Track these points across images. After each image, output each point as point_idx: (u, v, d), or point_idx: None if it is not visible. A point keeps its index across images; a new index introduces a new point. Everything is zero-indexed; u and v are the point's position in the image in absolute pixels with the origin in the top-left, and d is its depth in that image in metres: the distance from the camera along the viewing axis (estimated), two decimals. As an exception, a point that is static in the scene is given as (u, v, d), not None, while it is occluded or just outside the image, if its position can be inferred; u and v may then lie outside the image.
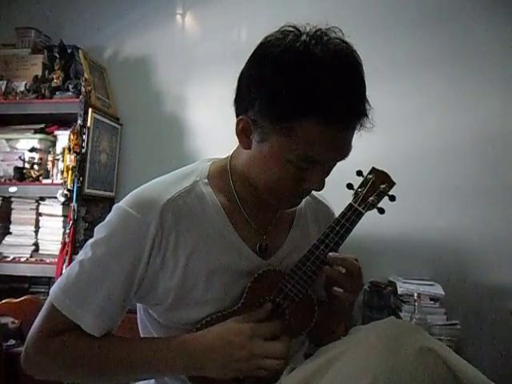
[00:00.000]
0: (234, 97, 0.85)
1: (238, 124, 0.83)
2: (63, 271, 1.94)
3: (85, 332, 0.82)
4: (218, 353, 0.80)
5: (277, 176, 0.82)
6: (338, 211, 0.92)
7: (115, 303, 0.83)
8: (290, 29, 0.80)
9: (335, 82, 0.74)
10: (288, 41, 0.77)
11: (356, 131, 0.80)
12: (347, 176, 0.90)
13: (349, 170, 0.91)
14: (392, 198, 0.89)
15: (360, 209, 0.87)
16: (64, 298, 0.82)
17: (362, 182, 0.91)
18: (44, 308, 0.84)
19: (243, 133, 0.83)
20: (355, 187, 0.90)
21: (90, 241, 0.85)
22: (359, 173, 0.91)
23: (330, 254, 0.86)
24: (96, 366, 0.83)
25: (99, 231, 0.85)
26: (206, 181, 0.90)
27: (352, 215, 0.87)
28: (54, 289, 0.84)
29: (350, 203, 0.88)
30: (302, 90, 0.74)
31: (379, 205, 0.89)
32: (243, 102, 0.82)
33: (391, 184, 0.90)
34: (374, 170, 0.91)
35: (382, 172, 0.91)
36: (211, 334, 0.82)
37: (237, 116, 0.84)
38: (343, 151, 0.81)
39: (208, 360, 0.80)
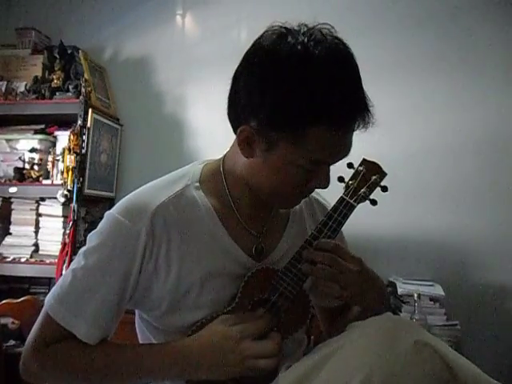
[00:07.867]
0: (227, 104, 0.83)
1: (239, 135, 0.81)
2: (63, 272, 1.94)
3: (80, 340, 0.82)
4: (210, 359, 0.80)
5: (285, 181, 0.81)
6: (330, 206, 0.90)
7: (109, 311, 0.83)
8: (282, 30, 0.78)
9: (341, 85, 0.74)
10: (286, 44, 0.76)
11: (363, 129, 0.79)
12: (342, 172, 0.89)
13: (349, 170, 0.90)
14: (384, 189, 0.88)
15: (352, 201, 0.86)
16: (58, 306, 0.82)
17: (353, 174, 0.89)
18: (40, 317, 0.85)
19: (246, 143, 0.81)
20: (346, 180, 0.89)
21: (83, 249, 0.85)
22: (350, 165, 0.90)
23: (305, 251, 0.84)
24: (92, 373, 0.83)
25: (91, 239, 0.85)
26: (198, 184, 0.89)
27: (344, 208, 0.86)
28: (48, 298, 0.84)
29: (342, 196, 0.87)
30: (310, 98, 0.73)
31: (371, 196, 0.88)
32: (243, 111, 0.80)
33: (383, 175, 0.89)
34: (364, 162, 0.90)
35: (373, 163, 0.89)
36: (201, 339, 0.81)
37: (235, 125, 0.83)
38: (349, 149, 0.82)
39: (201, 366, 0.80)
